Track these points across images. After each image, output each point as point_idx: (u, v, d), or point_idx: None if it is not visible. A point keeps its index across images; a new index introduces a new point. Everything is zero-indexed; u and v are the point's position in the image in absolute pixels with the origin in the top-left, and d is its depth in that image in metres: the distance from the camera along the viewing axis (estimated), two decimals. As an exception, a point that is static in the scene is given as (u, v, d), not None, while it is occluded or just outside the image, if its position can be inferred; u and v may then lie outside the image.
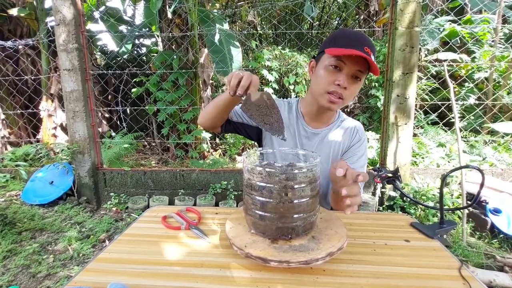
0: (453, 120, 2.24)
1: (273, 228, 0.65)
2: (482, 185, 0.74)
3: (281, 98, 1.13)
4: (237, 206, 2.68)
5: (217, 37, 3.30)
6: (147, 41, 5.21)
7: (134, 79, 4.26)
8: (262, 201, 0.65)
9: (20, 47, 3.91)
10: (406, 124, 2.45)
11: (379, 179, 0.89)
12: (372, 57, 0.84)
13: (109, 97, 5.02)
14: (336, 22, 7.54)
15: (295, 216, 0.64)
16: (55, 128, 4.10)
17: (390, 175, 0.88)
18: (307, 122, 1.03)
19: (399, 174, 0.88)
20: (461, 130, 2.95)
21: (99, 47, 5.42)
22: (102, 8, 4.71)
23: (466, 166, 0.83)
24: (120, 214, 2.66)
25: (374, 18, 5.02)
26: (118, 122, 4.35)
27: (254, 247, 0.63)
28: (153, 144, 4.97)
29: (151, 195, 2.86)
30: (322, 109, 0.95)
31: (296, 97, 4.14)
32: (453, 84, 2.46)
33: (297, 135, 1.03)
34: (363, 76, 0.88)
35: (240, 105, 1.01)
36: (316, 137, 1.02)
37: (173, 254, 0.68)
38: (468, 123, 3.35)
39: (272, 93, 4.04)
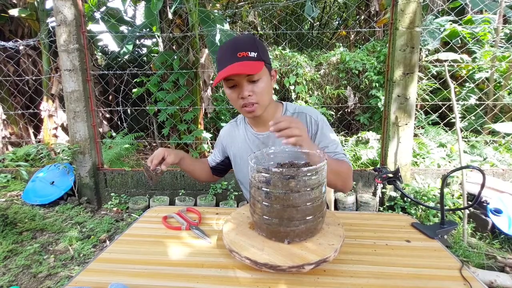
0: (453, 120, 2.23)
1: (278, 230, 0.65)
2: (483, 185, 0.74)
3: (230, 121, 1.15)
4: (237, 206, 2.68)
5: (217, 37, 3.31)
6: (148, 42, 5.23)
7: (135, 80, 4.26)
8: (266, 203, 0.64)
9: (21, 47, 3.92)
10: (406, 124, 2.45)
11: (379, 179, 0.89)
12: (252, 54, 0.83)
13: (110, 97, 5.03)
14: (337, 22, 7.54)
15: (299, 219, 0.63)
16: (56, 128, 4.10)
17: (390, 175, 0.88)
18: (256, 129, 1.03)
19: (399, 174, 0.88)
20: (462, 131, 2.95)
21: (100, 47, 5.42)
22: (103, 9, 4.72)
23: (467, 167, 0.83)
24: (121, 214, 2.66)
25: (375, 19, 5.01)
26: (119, 122, 4.36)
27: (250, 251, 0.63)
28: (154, 144, 4.97)
29: (152, 195, 2.86)
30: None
31: (296, 97, 4.14)
32: (454, 84, 2.46)
33: (251, 145, 1.02)
34: (258, 74, 0.86)
35: (211, 155, 1.17)
36: (270, 139, 1.00)
37: (174, 254, 0.68)
38: (469, 123, 3.35)
39: (272, 93, 4.02)
